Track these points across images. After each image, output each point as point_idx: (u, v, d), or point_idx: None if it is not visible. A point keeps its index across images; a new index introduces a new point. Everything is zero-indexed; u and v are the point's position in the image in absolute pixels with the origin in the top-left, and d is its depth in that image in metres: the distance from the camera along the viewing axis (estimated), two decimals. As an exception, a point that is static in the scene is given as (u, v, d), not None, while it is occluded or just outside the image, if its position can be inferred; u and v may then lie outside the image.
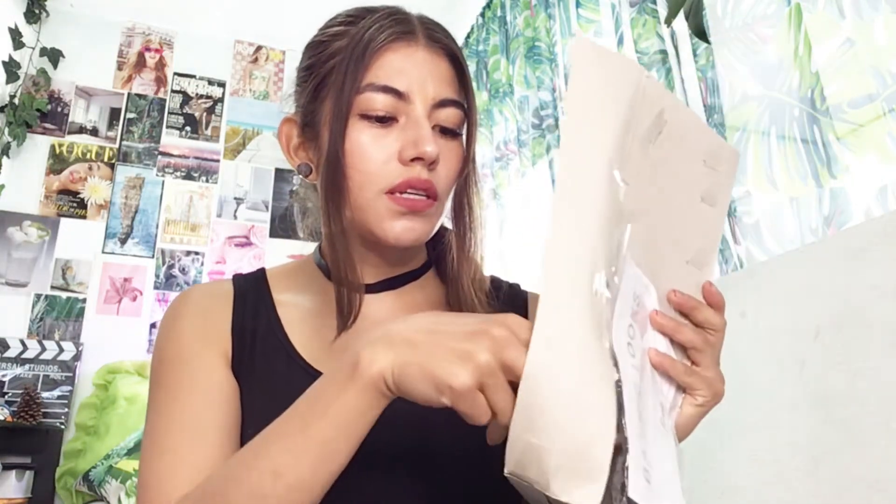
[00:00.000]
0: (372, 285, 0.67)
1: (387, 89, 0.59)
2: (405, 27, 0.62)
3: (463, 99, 0.64)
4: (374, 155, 0.59)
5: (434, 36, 0.63)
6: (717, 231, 0.56)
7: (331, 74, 0.62)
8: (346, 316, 0.61)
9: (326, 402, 0.45)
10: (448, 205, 0.66)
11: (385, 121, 0.60)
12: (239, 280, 0.69)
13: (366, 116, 0.60)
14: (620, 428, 0.40)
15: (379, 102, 0.59)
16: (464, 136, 0.65)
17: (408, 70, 0.60)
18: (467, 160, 0.65)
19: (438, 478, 0.58)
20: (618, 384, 0.41)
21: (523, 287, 0.75)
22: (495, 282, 0.73)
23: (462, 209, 0.66)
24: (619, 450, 0.40)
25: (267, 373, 0.62)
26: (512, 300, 0.71)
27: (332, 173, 0.60)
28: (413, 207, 0.59)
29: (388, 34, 0.61)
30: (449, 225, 0.69)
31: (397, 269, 0.68)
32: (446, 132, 0.62)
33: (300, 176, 0.67)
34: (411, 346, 0.43)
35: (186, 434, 0.56)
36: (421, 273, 0.70)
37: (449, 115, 0.62)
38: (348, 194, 0.60)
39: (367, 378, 0.43)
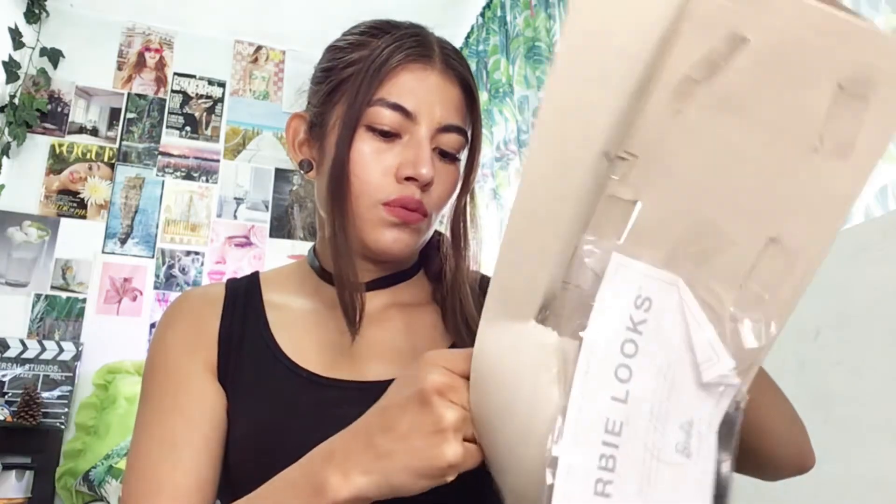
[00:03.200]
0: (365, 283, 0.68)
1: (396, 107, 0.61)
2: (424, 50, 0.64)
3: (468, 127, 0.66)
4: (373, 167, 0.62)
5: (450, 62, 0.66)
6: (846, 200, 0.36)
7: (346, 82, 0.64)
8: (352, 318, 0.62)
9: None
10: (446, 221, 0.69)
11: (389, 136, 0.62)
12: (231, 284, 0.71)
13: (371, 128, 0.62)
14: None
15: (386, 118, 0.62)
16: (463, 162, 0.68)
17: (419, 91, 0.63)
18: (465, 186, 0.68)
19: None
20: (559, 433, 0.34)
21: None
22: (484, 280, 0.74)
23: (458, 236, 0.69)
24: None
25: (253, 375, 0.63)
26: None
27: (337, 179, 0.62)
28: (406, 219, 0.62)
29: (407, 54, 0.63)
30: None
31: (389, 268, 0.70)
32: (445, 156, 0.65)
33: (301, 171, 0.69)
34: (380, 456, 0.42)
35: (165, 457, 0.57)
36: (412, 273, 0.72)
37: (451, 141, 0.64)
38: (349, 201, 0.62)
39: (341, 499, 0.43)
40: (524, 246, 0.36)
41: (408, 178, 0.61)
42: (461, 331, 0.66)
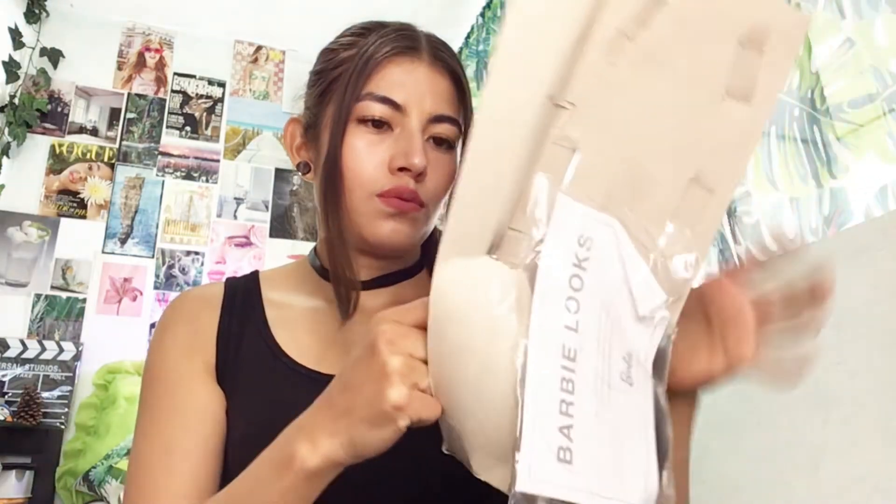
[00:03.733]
0: (367, 282, 0.68)
1: (384, 100, 0.62)
2: (410, 43, 0.65)
3: (459, 117, 0.66)
4: (366, 159, 0.62)
5: (438, 54, 0.66)
6: (751, 137, 0.42)
7: (336, 81, 0.65)
8: (344, 310, 0.64)
9: (264, 496, 0.47)
10: (442, 211, 0.69)
11: (380, 125, 0.63)
12: (231, 283, 0.72)
13: (362, 121, 0.63)
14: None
15: (376, 111, 0.63)
16: (459, 151, 0.68)
17: (407, 84, 0.63)
18: (456, 172, 0.67)
19: (422, 467, 0.58)
20: (525, 352, 0.36)
21: None
22: None
23: None
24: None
25: (251, 373, 0.63)
26: None
27: (329, 174, 0.63)
28: (401, 209, 0.62)
29: (393, 48, 0.64)
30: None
31: (391, 266, 0.70)
32: (440, 145, 0.65)
33: (299, 173, 0.70)
34: (340, 415, 0.43)
35: (164, 461, 0.58)
36: (415, 271, 0.72)
37: (444, 130, 0.65)
38: (344, 195, 0.63)
39: (311, 467, 0.44)
40: (478, 185, 0.38)
41: (401, 169, 0.62)
42: None
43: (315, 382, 0.62)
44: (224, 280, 0.72)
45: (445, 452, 0.42)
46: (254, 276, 0.73)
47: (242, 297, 0.69)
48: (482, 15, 2.67)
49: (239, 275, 0.75)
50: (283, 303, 0.69)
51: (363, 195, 0.62)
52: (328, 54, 0.69)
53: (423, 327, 0.41)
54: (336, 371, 0.62)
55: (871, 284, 0.95)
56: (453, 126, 0.65)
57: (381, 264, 0.69)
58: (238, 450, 0.60)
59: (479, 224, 0.39)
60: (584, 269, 0.38)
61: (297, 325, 0.67)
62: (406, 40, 0.65)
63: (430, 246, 0.73)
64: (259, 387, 0.62)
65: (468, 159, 0.38)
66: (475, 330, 0.37)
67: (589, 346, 0.38)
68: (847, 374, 0.96)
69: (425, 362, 0.41)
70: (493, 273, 0.38)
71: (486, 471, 0.37)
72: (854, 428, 0.95)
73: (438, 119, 0.64)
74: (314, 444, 0.44)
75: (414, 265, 0.72)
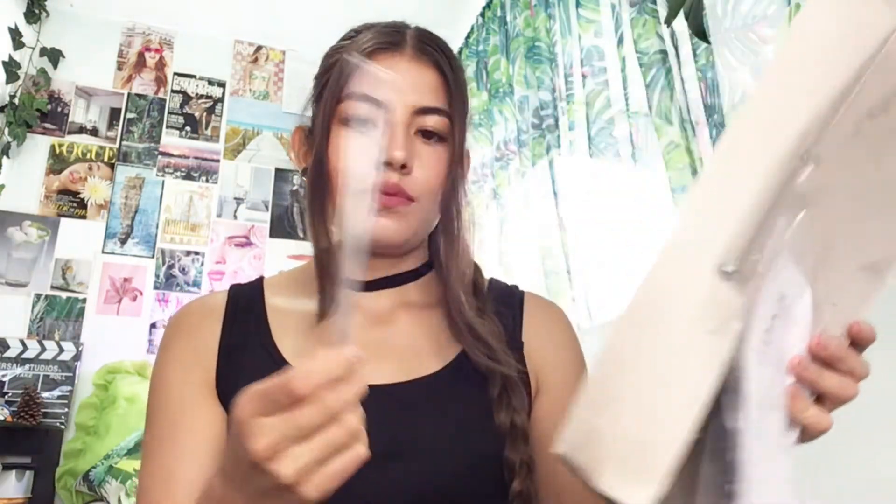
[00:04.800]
0: (371, 283, 0.68)
1: (364, 97, 0.62)
2: (393, 38, 0.66)
3: (447, 107, 0.66)
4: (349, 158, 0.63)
5: (422, 48, 0.66)
6: None
7: (326, 85, 0.66)
8: (325, 305, 0.64)
9: None
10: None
11: (364, 124, 0.63)
12: (234, 290, 0.71)
13: (345, 121, 0.63)
14: (706, 426, 0.36)
15: (357, 110, 0.63)
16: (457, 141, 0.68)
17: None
18: (451, 165, 0.67)
19: (419, 473, 0.58)
20: (727, 387, 0.36)
21: (522, 288, 0.75)
22: (493, 283, 0.74)
23: (448, 214, 0.68)
24: (701, 447, 0.36)
25: (251, 381, 0.63)
26: (507, 300, 0.72)
27: (315, 174, 0.64)
28: (386, 204, 0.62)
29: (373, 45, 0.65)
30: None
31: (396, 268, 0.69)
32: (430, 137, 0.65)
33: (303, 178, 0.71)
34: None
35: (164, 489, 0.59)
36: (422, 273, 0.71)
37: (431, 122, 0.65)
38: (330, 195, 0.64)
39: None
40: (713, 194, 0.38)
41: (385, 164, 0.62)
42: (465, 336, 0.65)
43: None
44: (228, 288, 0.72)
45: (560, 454, 0.39)
46: (258, 284, 0.72)
47: (246, 305, 0.69)
48: (482, 15, 2.67)
49: (239, 275, 0.74)
50: (286, 308, 0.68)
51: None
52: (324, 60, 0.70)
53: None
54: None
55: (871, 284, 0.95)
56: (441, 117, 0.65)
57: (386, 265, 0.68)
58: None
59: (706, 236, 0.38)
60: (775, 326, 0.39)
61: (300, 330, 0.66)
62: (388, 36, 0.65)
63: (437, 247, 0.72)
64: None
65: (712, 163, 0.38)
66: (674, 336, 0.37)
67: (775, 399, 0.39)
68: (847, 374, 0.96)
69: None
70: (717, 290, 0.37)
71: (615, 488, 0.35)
72: (854, 428, 0.94)
73: (423, 111, 0.64)
74: None
75: (421, 267, 0.71)
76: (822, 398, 0.45)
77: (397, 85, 0.63)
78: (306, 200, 0.66)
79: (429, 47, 0.67)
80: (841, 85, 0.37)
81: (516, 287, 0.75)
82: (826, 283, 0.42)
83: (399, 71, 0.64)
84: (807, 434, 0.45)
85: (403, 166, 0.62)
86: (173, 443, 0.60)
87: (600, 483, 0.35)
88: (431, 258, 0.73)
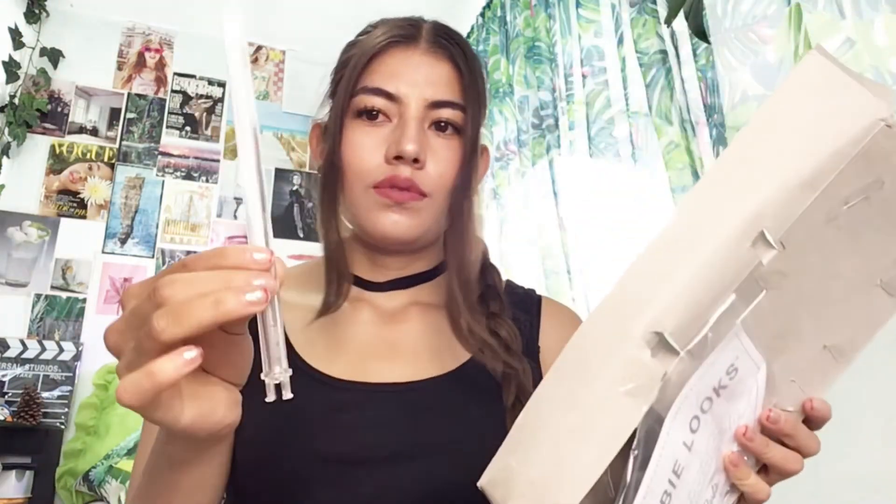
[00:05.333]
0: (382, 284, 0.68)
1: (378, 91, 0.62)
2: (407, 32, 0.65)
3: (463, 100, 0.64)
4: (362, 152, 0.62)
5: (437, 41, 0.65)
6: (881, 324, 0.45)
7: (341, 80, 0.65)
8: (333, 298, 0.63)
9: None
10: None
11: (375, 117, 0.62)
12: None
13: (359, 115, 0.63)
14: (607, 487, 0.36)
15: (371, 102, 0.62)
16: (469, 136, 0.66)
17: (402, 73, 0.63)
18: (464, 159, 0.65)
19: (429, 474, 0.58)
20: (634, 449, 0.36)
21: (538, 293, 0.75)
22: (510, 286, 0.73)
23: (457, 210, 0.65)
24: None
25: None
26: (524, 304, 0.71)
27: (327, 169, 0.63)
28: (398, 199, 0.61)
29: (387, 39, 0.64)
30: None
31: (409, 269, 0.69)
32: (444, 130, 0.64)
33: (317, 174, 0.69)
34: None
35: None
36: (434, 274, 0.70)
37: (445, 115, 0.63)
38: (343, 190, 0.63)
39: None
40: (660, 257, 0.38)
41: (397, 158, 0.61)
42: (468, 340, 0.64)
43: (326, 388, 0.61)
44: None
45: (479, 487, 0.41)
46: None
47: None
48: (482, 15, 2.67)
49: None
50: (296, 303, 0.68)
51: (360, 188, 0.62)
52: (339, 56, 0.69)
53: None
54: (347, 376, 0.62)
55: (871, 284, 0.95)
56: (456, 110, 0.64)
57: (400, 264, 0.68)
58: (244, 451, 0.60)
59: (641, 300, 0.37)
60: (718, 395, 0.39)
61: (311, 327, 0.66)
62: (402, 30, 0.65)
63: (453, 246, 0.71)
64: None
65: (663, 228, 0.37)
66: (595, 391, 0.37)
67: (693, 468, 0.38)
68: (847, 373, 0.96)
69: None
70: (642, 353, 0.36)
71: None
72: (854, 428, 0.94)
73: (438, 104, 0.63)
74: None
75: (434, 267, 0.71)
76: (766, 469, 0.46)
77: (410, 78, 0.63)
78: (318, 194, 0.66)
79: (443, 40, 0.66)
80: (810, 170, 0.36)
81: (533, 291, 0.75)
82: (789, 359, 0.42)
83: (413, 64, 0.63)
84: (747, 502, 0.45)
85: (416, 161, 0.61)
86: None
87: None
88: (446, 257, 0.72)
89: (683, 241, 0.37)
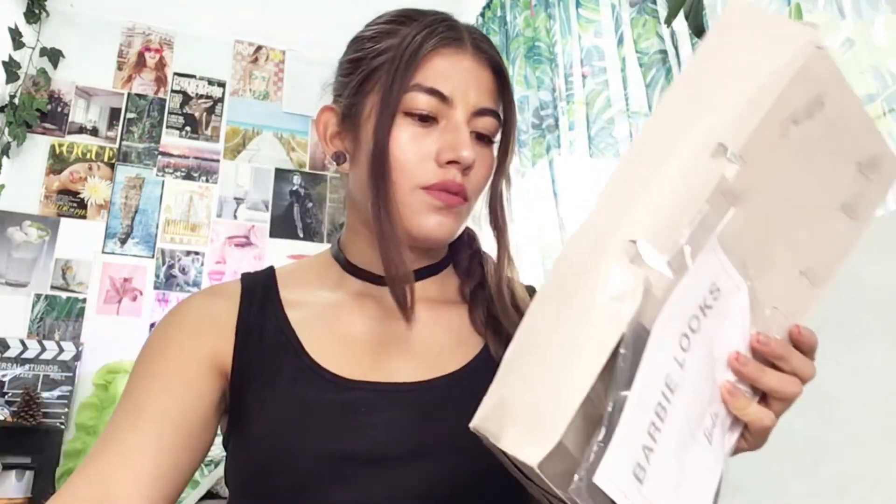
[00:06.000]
0: None
1: (432, 91, 0.61)
2: (455, 34, 0.64)
3: (500, 110, 0.66)
4: (412, 152, 0.61)
5: (481, 46, 0.66)
6: (849, 248, 0.47)
7: (378, 70, 0.64)
8: (403, 305, 0.62)
9: None
10: (482, 209, 0.69)
11: (426, 120, 0.62)
12: (247, 278, 0.70)
13: (409, 114, 0.62)
14: (603, 399, 0.35)
15: (423, 103, 0.62)
16: (496, 146, 0.68)
17: (453, 76, 0.62)
18: (500, 168, 0.68)
19: (444, 472, 0.58)
20: (623, 349, 0.36)
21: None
22: (531, 290, 0.75)
23: (498, 216, 0.69)
24: (599, 423, 0.36)
25: (273, 372, 0.62)
26: (525, 302, 0.72)
27: (377, 166, 0.61)
28: (449, 203, 0.62)
29: (439, 39, 0.63)
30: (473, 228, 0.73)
31: (419, 262, 0.69)
32: (482, 139, 0.65)
33: (334, 163, 0.68)
34: None
35: (128, 419, 0.57)
36: (441, 268, 0.72)
37: (486, 124, 0.64)
38: (392, 186, 0.62)
39: None
40: (629, 180, 0.40)
41: (449, 162, 0.61)
42: (488, 326, 0.66)
43: (337, 388, 0.61)
44: (240, 276, 0.71)
45: (471, 428, 0.40)
46: (270, 272, 0.71)
47: (260, 292, 0.67)
48: (482, 15, 2.67)
49: (239, 275, 0.74)
50: (301, 300, 0.67)
51: (408, 188, 0.62)
52: (365, 42, 0.67)
53: None
54: (358, 376, 0.62)
55: (872, 284, 0.95)
56: (495, 119, 0.65)
57: (412, 259, 0.68)
58: (253, 449, 0.60)
59: (617, 214, 0.39)
60: (705, 315, 0.39)
61: (318, 323, 0.66)
62: (451, 31, 0.64)
63: (457, 243, 0.73)
64: (280, 387, 0.61)
65: (630, 148, 0.40)
66: (578, 304, 0.37)
67: (687, 389, 0.38)
68: (848, 373, 0.96)
69: None
70: (623, 262, 0.37)
71: (515, 447, 0.36)
72: (854, 428, 0.95)
73: (482, 112, 0.64)
74: None
75: (440, 262, 0.72)
76: (766, 398, 0.45)
77: (461, 81, 0.63)
78: (367, 193, 0.63)
79: (485, 45, 0.66)
80: (755, 88, 0.39)
81: (533, 288, 0.76)
82: (767, 285, 0.43)
83: (462, 69, 0.63)
84: (752, 434, 0.45)
85: (468, 167, 0.62)
86: (155, 379, 0.59)
87: (502, 444, 0.37)
88: (450, 252, 0.73)
89: (649, 161, 0.39)
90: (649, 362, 0.36)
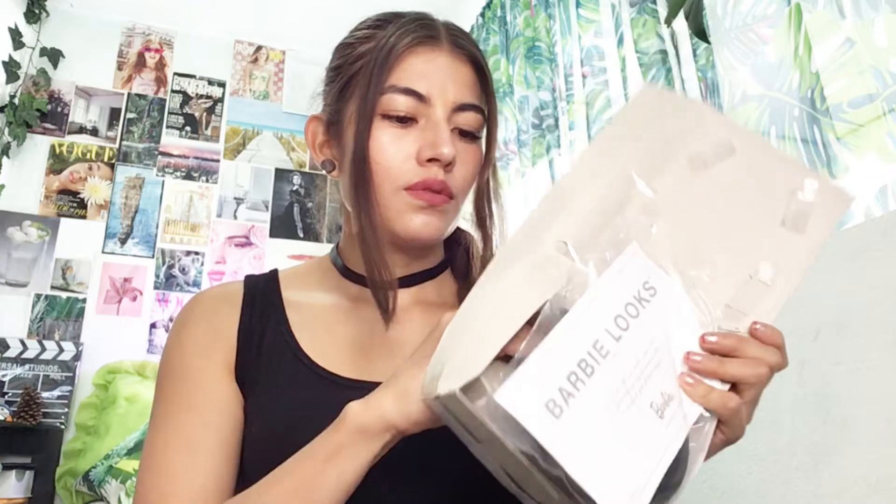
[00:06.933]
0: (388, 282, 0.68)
1: (408, 91, 0.61)
2: (429, 31, 0.64)
3: (483, 104, 0.65)
4: (393, 153, 0.61)
5: (458, 42, 0.65)
6: (801, 258, 0.50)
7: (356, 76, 0.64)
8: (385, 309, 0.63)
9: (317, 445, 0.50)
10: (468, 207, 0.68)
11: (405, 121, 0.62)
12: (250, 281, 0.70)
13: (387, 116, 0.62)
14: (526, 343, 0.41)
15: (400, 104, 0.61)
16: (483, 140, 0.67)
17: (429, 74, 0.62)
18: (486, 163, 0.67)
19: (443, 473, 0.58)
20: (544, 315, 0.41)
21: None
22: None
23: (483, 212, 0.68)
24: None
25: (272, 372, 0.63)
26: None
27: (358, 170, 0.62)
28: (431, 201, 0.61)
29: (413, 38, 0.63)
30: (464, 226, 0.71)
31: (415, 266, 0.69)
32: (465, 135, 0.64)
33: (325, 172, 0.69)
34: (395, 375, 0.48)
35: (181, 456, 0.57)
36: (438, 272, 0.71)
37: (468, 119, 0.64)
38: (372, 190, 0.62)
39: (362, 422, 0.47)
40: (563, 195, 0.47)
41: (430, 160, 0.61)
42: None
43: (335, 387, 0.61)
44: (243, 278, 0.71)
45: (422, 401, 0.45)
46: (273, 275, 0.71)
47: (262, 295, 0.68)
48: (482, 15, 2.67)
49: (239, 275, 0.74)
50: (303, 303, 0.68)
51: (391, 189, 0.61)
52: (346, 49, 0.67)
53: None
54: (356, 375, 0.62)
55: (871, 284, 0.95)
56: (477, 114, 0.64)
57: (407, 263, 0.68)
58: (253, 450, 0.60)
59: (553, 215, 0.46)
60: (642, 306, 0.44)
61: (318, 325, 0.66)
62: (425, 29, 0.64)
63: (453, 245, 0.72)
64: (278, 387, 0.62)
65: (573, 166, 0.48)
66: (504, 282, 0.43)
67: (625, 361, 0.42)
68: (847, 373, 0.96)
69: None
70: (550, 254, 0.44)
71: (446, 387, 0.40)
72: (854, 428, 0.95)
73: (463, 108, 0.63)
74: (367, 401, 0.47)
75: (437, 265, 0.71)
76: (736, 388, 0.46)
77: (437, 79, 0.62)
78: (348, 198, 0.64)
79: (463, 41, 0.66)
80: (658, 138, 0.50)
81: None
82: (715, 287, 0.48)
83: (439, 65, 0.63)
84: (725, 423, 0.46)
85: (449, 163, 0.61)
86: (193, 413, 0.59)
87: (437, 390, 0.40)
88: (447, 256, 0.72)
89: (577, 185, 0.47)
90: (571, 321, 0.41)
